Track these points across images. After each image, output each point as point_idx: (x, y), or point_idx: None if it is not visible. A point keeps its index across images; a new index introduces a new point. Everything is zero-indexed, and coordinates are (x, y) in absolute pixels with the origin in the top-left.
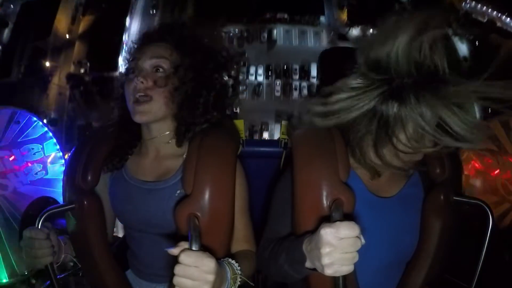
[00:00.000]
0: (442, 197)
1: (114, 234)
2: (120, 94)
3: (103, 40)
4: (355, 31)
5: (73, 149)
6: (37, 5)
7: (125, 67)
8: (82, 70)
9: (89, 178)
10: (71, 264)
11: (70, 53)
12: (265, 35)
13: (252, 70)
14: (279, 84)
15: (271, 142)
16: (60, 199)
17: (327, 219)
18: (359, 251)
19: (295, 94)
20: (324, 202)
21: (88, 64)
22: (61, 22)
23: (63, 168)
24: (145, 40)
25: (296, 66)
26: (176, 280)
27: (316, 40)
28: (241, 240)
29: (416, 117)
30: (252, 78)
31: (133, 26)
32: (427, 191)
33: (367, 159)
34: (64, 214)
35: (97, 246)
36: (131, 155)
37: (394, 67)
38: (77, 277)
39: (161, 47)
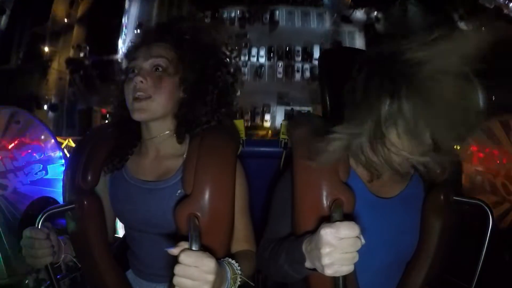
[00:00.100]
0: (442, 197)
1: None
2: (120, 94)
3: (102, 23)
4: (359, 14)
5: (73, 149)
6: None
7: (125, 66)
8: (81, 54)
9: (89, 178)
10: (71, 264)
11: (69, 37)
12: (267, 16)
13: (254, 51)
14: (281, 65)
15: (271, 142)
16: (60, 199)
17: (327, 219)
18: (359, 251)
19: (298, 76)
20: (324, 202)
21: (88, 48)
22: (59, 7)
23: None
24: (144, 40)
25: (299, 48)
26: (176, 280)
27: (319, 21)
28: (241, 240)
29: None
30: (254, 59)
31: (133, 9)
32: (427, 191)
33: (366, 157)
34: (64, 214)
35: (97, 246)
36: (131, 155)
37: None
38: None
39: (160, 46)
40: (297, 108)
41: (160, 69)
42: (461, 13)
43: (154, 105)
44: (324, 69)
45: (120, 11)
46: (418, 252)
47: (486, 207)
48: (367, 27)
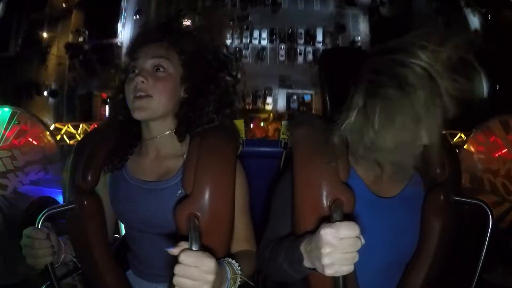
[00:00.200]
0: (442, 197)
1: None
2: (120, 93)
3: (101, 7)
4: None
5: (73, 149)
6: None
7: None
8: (80, 39)
9: (89, 178)
10: (71, 264)
11: (67, 22)
12: None
13: (256, 34)
14: (283, 48)
15: (271, 142)
16: (60, 199)
17: (327, 219)
18: (359, 251)
19: (300, 59)
20: (324, 202)
21: (87, 32)
22: None
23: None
24: (144, 40)
25: (301, 31)
26: (176, 280)
27: (323, 4)
28: (241, 240)
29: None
30: (255, 42)
31: None
32: (427, 191)
33: (361, 151)
34: (64, 214)
35: (97, 246)
36: (131, 155)
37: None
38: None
39: (161, 46)
40: (299, 91)
41: (161, 69)
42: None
43: (155, 104)
44: (324, 69)
45: None
46: (418, 252)
47: (486, 207)
48: (371, 11)
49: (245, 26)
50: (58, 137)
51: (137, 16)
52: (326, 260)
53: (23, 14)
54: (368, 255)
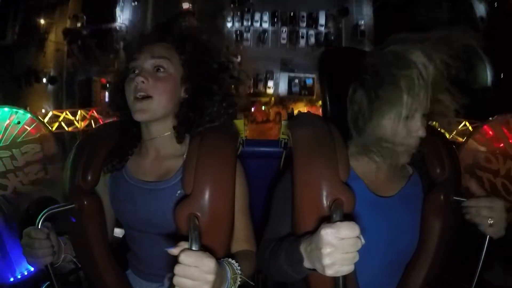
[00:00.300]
0: (442, 197)
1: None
2: (120, 94)
3: None
4: None
5: (73, 149)
6: None
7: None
8: (78, 24)
9: (89, 178)
10: (71, 264)
11: (65, 7)
12: None
13: (257, 16)
14: (285, 31)
15: (271, 142)
16: (60, 199)
17: (327, 219)
18: (359, 251)
19: (302, 42)
20: (324, 202)
21: (85, 17)
22: None
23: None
24: (145, 40)
25: (304, 13)
26: (176, 280)
27: None
28: (241, 240)
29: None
30: (257, 24)
31: None
32: (427, 191)
33: (365, 139)
34: (64, 214)
35: (97, 246)
36: (131, 155)
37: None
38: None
39: (162, 46)
40: (301, 75)
41: (161, 69)
42: None
43: (155, 105)
44: (324, 69)
45: None
46: (418, 252)
47: None
48: None
49: (246, 9)
50: (56, 125)
51: (135, 3)
52: (326, 261)
53: (20, 1)
54: (368, 255)
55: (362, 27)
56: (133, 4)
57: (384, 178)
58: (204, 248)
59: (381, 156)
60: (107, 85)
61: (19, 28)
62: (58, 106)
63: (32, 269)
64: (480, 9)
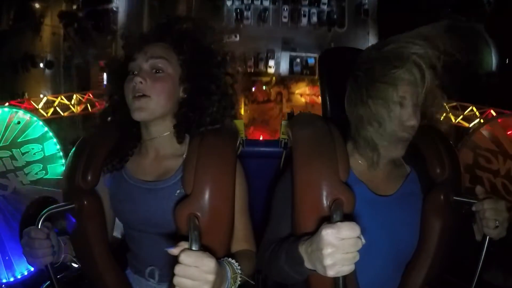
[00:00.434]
0: (442, 197)
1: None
2: (119, 94)
3: None
4: None
5: (73, 149)
6: None
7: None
8: (74, 7)
9: (89, 178)
10: (71, 264)
11: None
12: None
13: None
14: (286, 9)
15: (271, 142)
16: (60, 199)
17: (327, 219)
18: (359, 251)
19: (304, 21)
20: (324, 202)
21: None
22: None
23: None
24: (143, 40)
25: None
26: (176, 280)
27: None
28: (241, 240)
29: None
30: (257, 2)
31: None
32: (427, 191)
33: (361, 134)
34: (64, 214)
35: (97, 246)
36: (131, 156)
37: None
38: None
39: (160, 47)
40: (302, 54)
41: (160, 70)
42: None
43: (153, 104)
44: (324, 69)
45: None
46: (418, 252)
47: None
48: None
49: None
50: (51, 110)
51: None
52: (327, 261)
53: None
54: (368, 254)
55: (366, 6)
56: None
57: (383, 177)
58: (204, 248)
59: (376, 150)
60: (105, 67)
61: (14, 13)
62: (56, 91)
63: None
64: None
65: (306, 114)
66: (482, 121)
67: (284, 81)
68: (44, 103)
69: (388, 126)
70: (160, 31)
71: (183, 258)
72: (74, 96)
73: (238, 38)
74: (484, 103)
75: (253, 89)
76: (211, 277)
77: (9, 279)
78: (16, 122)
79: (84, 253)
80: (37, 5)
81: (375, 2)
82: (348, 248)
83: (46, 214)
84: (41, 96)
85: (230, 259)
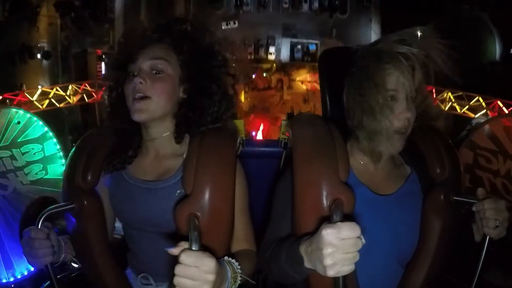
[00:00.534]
0: (442, 197)
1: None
2: (119, 95)
3: None
4: None
5: (73, 149)
6: None
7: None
8: None
9: (89, 178)
10: (71, 264)
11: None
12: None
13: None
14: None
15: (271, 142)
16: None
17: (327, 219)
18: (359, 251)
19: (305, 6)
20: (324, 202)
21: None
22: None
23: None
24: (143, 41)
25: None
26: (177, 280)
27: None
28: (241, 240)
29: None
30: None
31: None
32: (427, 191)
33: (359, 131)
34: (64, 214)
35: (97, 246)
36: (136, 157)
37: None
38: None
39: (160, 48)
40: (303, 40)
41: (160, 71)
42: None
43: (153, 105)
44: (324, 69)
45: None
46: (418, 252)
47: None
48: None
49: None
50: (46, 102)
51: None
52: (328, 261)
53: None
54: (368, 254)
55: None
56: None
57: (383, 177)
58: (204, 248)
59: (376, 143)
60: (103, 56)
61: (9, 4)
62: (54, 82)
63: (32, 269)
64: None
65: (306, 114)
66: (488, 112)
67: (285, 68)
68: (40, 95)
69: (383, 119)
70: (159, 32)
71: (183, 258)
72: (70, 87)
73: (236, 25)
74: (488, 93)
75: (253, 76)
76: (211, 277)
77: (9, 279)
78: (16, 122)
79: (84, 253)
80: None
81: None
82: (348, 248)
83: (46, 214)
84: (39, 87)
85: (230, 259)
